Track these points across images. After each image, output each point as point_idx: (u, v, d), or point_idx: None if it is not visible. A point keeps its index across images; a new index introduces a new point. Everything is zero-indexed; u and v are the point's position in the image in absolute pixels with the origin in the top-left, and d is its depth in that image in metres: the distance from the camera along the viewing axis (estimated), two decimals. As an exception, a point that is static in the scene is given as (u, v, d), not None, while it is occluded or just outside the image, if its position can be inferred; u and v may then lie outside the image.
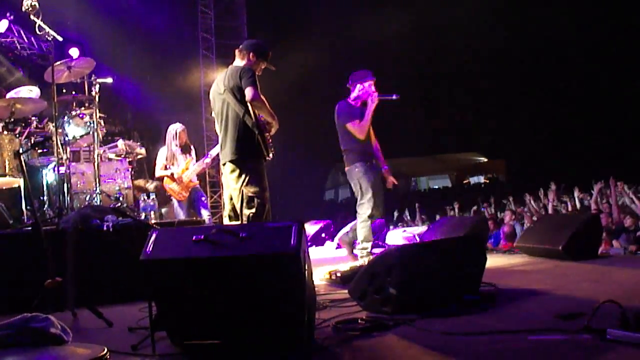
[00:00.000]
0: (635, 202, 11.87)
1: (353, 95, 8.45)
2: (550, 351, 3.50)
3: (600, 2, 30.28)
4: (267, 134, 6.87)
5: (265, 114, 6.77)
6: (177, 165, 10.07)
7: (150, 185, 11.05)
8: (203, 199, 10.43)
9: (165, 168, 10.11)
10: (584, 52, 30.97)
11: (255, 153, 6.73)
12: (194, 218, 9.80)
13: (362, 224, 8.20)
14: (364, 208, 8.12)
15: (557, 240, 7.44)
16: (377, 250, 8.17)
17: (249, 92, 6.57)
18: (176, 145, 10.13)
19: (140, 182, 11.40)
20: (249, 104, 6.65)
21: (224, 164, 6.92)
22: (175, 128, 10.21)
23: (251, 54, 6.94)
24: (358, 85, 8.38)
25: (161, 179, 10.27)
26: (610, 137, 33.39)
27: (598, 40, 30.61)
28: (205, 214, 10.08)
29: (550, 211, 13.80)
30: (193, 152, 10.40)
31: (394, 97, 8.20)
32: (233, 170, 6.73)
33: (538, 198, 16.36)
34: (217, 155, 7.72)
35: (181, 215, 10.05)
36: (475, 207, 19.49)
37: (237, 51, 7.06)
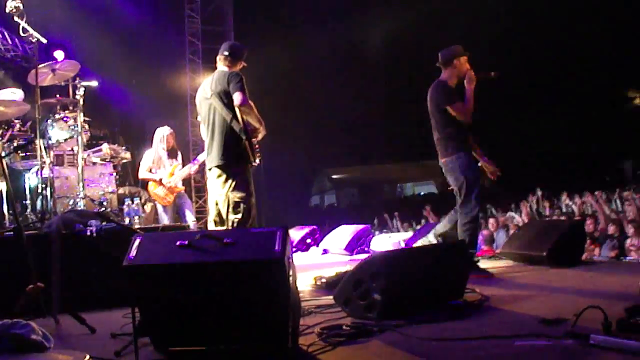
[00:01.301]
0: (601, 205, 12.04)
1: (446, 74, 7.40)
2: (534, 356, 3.53)
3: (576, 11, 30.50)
4: (254, 139, 6.87)
5: (252, 120, 6.77)
6: (163, 169, 10.03)
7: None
8: (188, 204, 10.40)
9: (150, 171, 10.07)
10: (565, 59, 31.17)
11: (242, 158, 6.74)
12: (179, 223, 9.76)
13: (466, 226, 7.09)
14: (469, 207, 7.12)
15: (542, 246, 7.45)
16: (362, 256, 8.17)
17: (237, 97, 6.58)
18: (163, 149, 10.10)
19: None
20: (236, 109, 6.66)
21: (210, 169, 6.91)
22: (163, 131, 10.17)
23: (231, 58, 6.96)
24: (454, 62, 7.33)
25: (145, 182, 10.23)
26: (594, 144, 33.59)
27: (578, 47, 30.87)
28: (190, 220, 10.06)
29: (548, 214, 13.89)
30: (180, 157, 10.36)
31: (492, 74, 7.30)
32: (219, 176, 6.74)
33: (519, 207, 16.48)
34: (204, 161, 7.71)
35: (165, 220, 10.01)
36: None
37: (218, 57, 7.07)
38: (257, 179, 6.97)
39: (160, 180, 9.95)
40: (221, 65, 7.02)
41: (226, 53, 7.01)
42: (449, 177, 7.38)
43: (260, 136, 6.94)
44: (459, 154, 7.18)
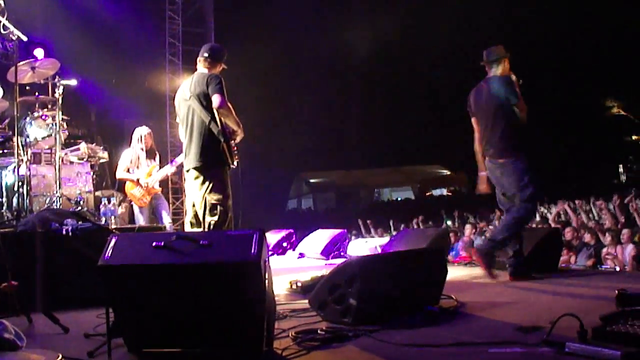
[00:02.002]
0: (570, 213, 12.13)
1: (499, 71, 7.08)
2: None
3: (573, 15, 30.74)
4: (232, 141, 6.87)
5: (231, 122, 6.78)
6: (141, 170, 9.98)
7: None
8: (165, 205, 10.35)
9: (128, 171, 10.03)
10: (542, 68, 31.41)
11: (220, 161, 6.75)
12: (155, 224, 9.72)
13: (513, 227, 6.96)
14: (529, 209, 7.02)
15: (518, 254, 7.47)
16: (338, 261, 8.17)
17: (216, 100, 6.59)
18: (141, 149, 10.05)
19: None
20: (215, 111, 6.66)
21: (187, 171, 6.91)
22: (141, 131, 10.13)
23: (210, 60, 6.97)
24: (505, 60, 7.09)
25: (122, 182, 10.18)
26: (571, 151, 33.83)
27: (556, 56, 31.07)
28: (166, 221, 10.02)
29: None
30: (157, 158, 10.32)
31: (520, 81, 6.98)
32: (197, 177, 6.74)
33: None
34: (182, 163, 7.69)
35: (141, 221, 9.95)
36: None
37: (198, 59, 7.08)
38: (234, 182, 6.96)
39: (138, 180, 9.91)
40: (201, 67, 7.04)
41: (206, 55, 7.03)
42: (505, 178, 7.04)
43: (238, 139, 6.95)
44: (520, 154, 6.93)
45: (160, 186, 10.31)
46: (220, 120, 6.73)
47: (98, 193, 10.59)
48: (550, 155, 31.66)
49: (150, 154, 10.16)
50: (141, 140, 10.07)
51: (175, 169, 10.18)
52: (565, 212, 14.13)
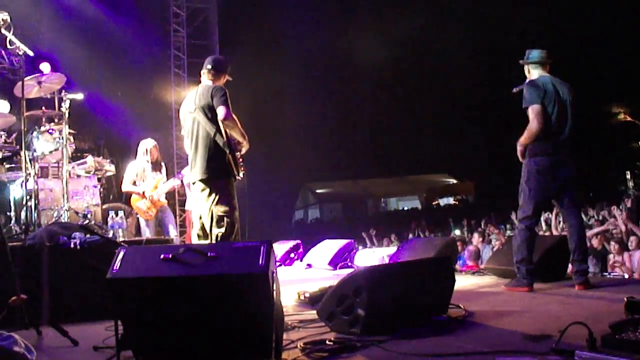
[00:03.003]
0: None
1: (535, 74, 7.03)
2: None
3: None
4: (238, 152, 6.87)
5: (236, 134, 6.78)
6: (147, 182, 9.99)
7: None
8: (170, 218, 10.35)
9: (134, 184, 10.04)
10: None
11: (226, 172, 6.74)
12: (162, 237, 9.73)
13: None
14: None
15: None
16: (346, 271, 8.16)
17: (221, 111, 6.60)
18: (147, 162, 10.07)
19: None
20: (220, 123, 6.66)
21: (193, 183, 6.90)
22: (147, 144, 10.15)
23: (214, 71, 6.98)
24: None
25: (129, 195, 10.20)
26: (578, 158, 33.66)
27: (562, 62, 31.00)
28: (172, 234, 10.01)
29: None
30: (164, 170, 10.34)
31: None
32: (203, 189, 6.73)
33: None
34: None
35: (147, 233, 9.96)
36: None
37: (202, 71, 7.09)
38: (240, 193, 6.96)
39: (144, 193, 9.92)
40: (205, 79, 7.04)
41: (209, 67, 7.03)
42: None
43: (243, 150, 6.95)
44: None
45: (166, 198, 10.32)
46: (225, 132, 6.73)
47: (105, 206, 10.60)
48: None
49: (156, 167, 10.17)
50: (147, 152, 10.10)
51: (181, 182, 10.20)
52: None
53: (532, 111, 6.70)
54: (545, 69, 7.05)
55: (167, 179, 10.24)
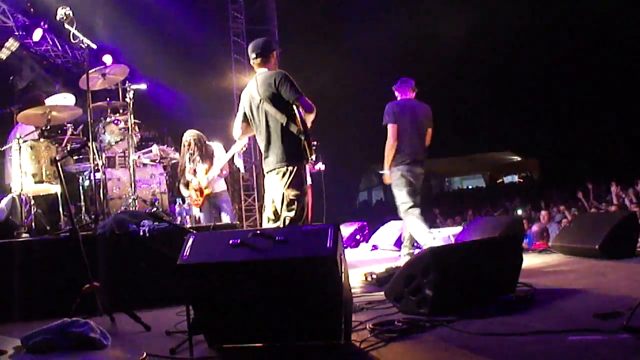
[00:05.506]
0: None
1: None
2: (588, 351, 3.47)
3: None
4: (312, 137, 6.75)
5: (312, 117, 6.67)
6: (193, 171, 9.75)
7: None
8: (224, 206, 10.06)
9: (187, 184, 9.85)
10: (617, 48, 30.67)
11: (300, 157, 6.64)
12: (228, 222, 9.68)
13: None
14: None
15: (594, 239, 7.36)
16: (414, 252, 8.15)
17: (304, 105, 6.49)
18: (191, 154, 9.77)
19: None
20: (289, 111, 6.55)
21: (268, 172, 6.82)
22: (185, 136, 9.84)
23: (262, 57, 6.85)
24: None
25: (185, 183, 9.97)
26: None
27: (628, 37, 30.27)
28: (225, 220, 9.77)
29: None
30: (215, 157, 9.99)
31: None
32: (277, 172, 6.66)
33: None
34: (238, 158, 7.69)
35: (202, 221, 9.82)
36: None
37: (251, 62, 6.96)
38: (316, 180, 6.90)
39: (189, 182, 9.75)
40: (259, 68, 6.91)
41: (254, 55, 6.81)
42: None
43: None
44: None
45: (225, 185, 10.10)
46: (299, 117, 6.63)
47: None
48: (628, 136, 30.95)
49: (205, 157, 9.83)
50: (189, 146, 9.81)
51: (227, 165, 9.83)
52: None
53: None
54: None
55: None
